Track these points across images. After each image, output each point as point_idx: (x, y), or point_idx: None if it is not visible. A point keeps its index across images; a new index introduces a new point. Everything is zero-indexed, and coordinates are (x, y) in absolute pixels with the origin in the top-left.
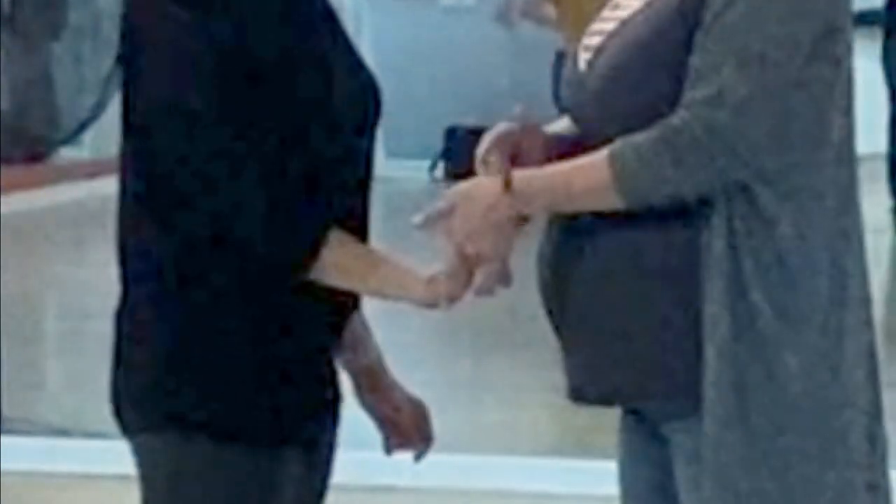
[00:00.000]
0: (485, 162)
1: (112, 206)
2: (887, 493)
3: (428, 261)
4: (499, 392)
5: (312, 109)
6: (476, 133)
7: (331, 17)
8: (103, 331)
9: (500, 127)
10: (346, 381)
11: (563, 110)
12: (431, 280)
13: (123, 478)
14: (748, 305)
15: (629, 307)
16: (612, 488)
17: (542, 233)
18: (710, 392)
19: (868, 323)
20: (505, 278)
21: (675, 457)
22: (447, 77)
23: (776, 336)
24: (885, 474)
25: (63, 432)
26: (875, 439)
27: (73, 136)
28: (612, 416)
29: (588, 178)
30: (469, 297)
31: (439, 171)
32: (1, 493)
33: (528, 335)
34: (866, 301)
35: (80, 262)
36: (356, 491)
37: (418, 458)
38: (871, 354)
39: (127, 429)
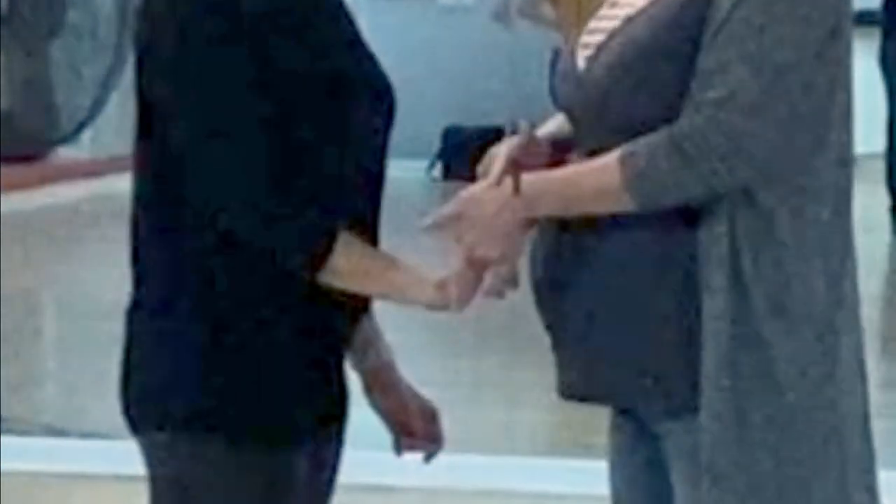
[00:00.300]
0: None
1: (110, 206)
2: (875, 493)
3: (426, 260)
4: (498, 392)
5: (325, 112)
6: (475, 133)
7: (348, 19)
8: (102, 330)
9: (505, 146)
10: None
11: (558, 108)
12: (441, 284)
13: (123, 478)
14: (747, 305)
15: (627, 306)
16: None
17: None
18: (707, 391)
19: (858, 322)
20: (513, 281)
21: (671, 456)
22: (445, 76)
23: (774, 336)
24: (874, 474)
25: (61, 432)
26: (868, 439)
27: (71, 136)
28: None
29: (599, 180)
30: (478, 299)
31: (437, 170)
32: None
33: (528, 335)
34: (857, 300)
35: (78, 261)
36: (355, 491)
37: (428, 459)
38: (861, 353)
39: (136, 428)
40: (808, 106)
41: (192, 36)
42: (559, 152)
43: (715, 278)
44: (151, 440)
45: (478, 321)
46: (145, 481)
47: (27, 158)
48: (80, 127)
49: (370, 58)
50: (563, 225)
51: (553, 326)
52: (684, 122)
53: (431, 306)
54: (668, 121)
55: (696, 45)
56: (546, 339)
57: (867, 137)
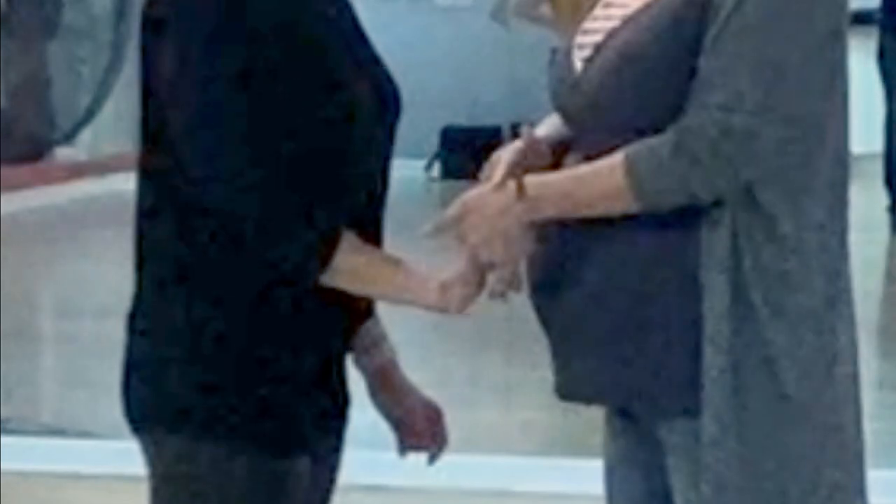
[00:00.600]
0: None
1: (108, 205)
2: (863, 492)
3: (423, 260)
4: (496, 392)
5: (329, 113)
6: (473, 132)
7: (353, 20)
8: (101, 330)
9: (507, 150)
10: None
11: (554, 109)
12: (444, 286)
13: (121, 477)
14: (747, 304)
15: (627, 306)
16: None
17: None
18: (708, 391)
19: (853, 320)
20: (517, 283)
21: (671, 457)
22: (443, 76)
23: (774, 335)
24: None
25: (61, 432)
26: (862, 440)
27: (69, 136)
28: None
29: (603, 182)
30: (482, 299)
31: (435, 170)
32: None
33: (525, 335)
34: (852, 299)
35: (77, 260)
36: (354, 490)
37: (432, 459)
38: (856, 352)
39: (137, 428)
40: (810, 105)
41: (195, 41)
42: (555, 154)
43: (715, 278)
44: (152, 440)
45: (476, 321)
46: (145, 481)
47: (24, 158)
48: (78, 127)
49: (375, 60)
50: (561, 225)
51: (551, 326)
52: (689, 124)
53: (434, 308)
54: (664, 123)
55: (693, 47)
56: (543, 339)
57: (865, 137)
